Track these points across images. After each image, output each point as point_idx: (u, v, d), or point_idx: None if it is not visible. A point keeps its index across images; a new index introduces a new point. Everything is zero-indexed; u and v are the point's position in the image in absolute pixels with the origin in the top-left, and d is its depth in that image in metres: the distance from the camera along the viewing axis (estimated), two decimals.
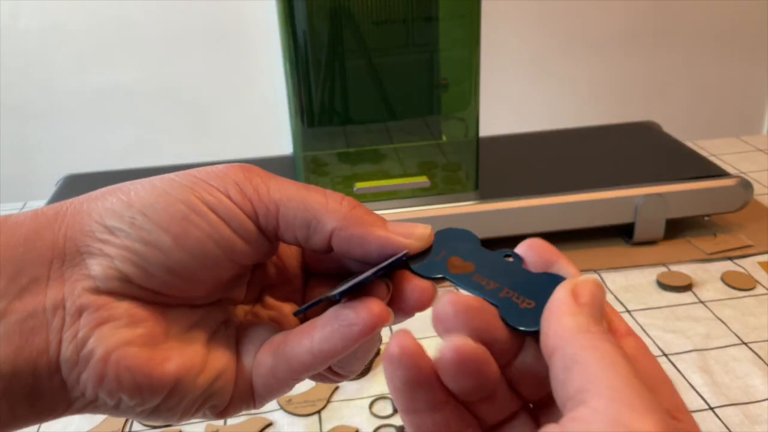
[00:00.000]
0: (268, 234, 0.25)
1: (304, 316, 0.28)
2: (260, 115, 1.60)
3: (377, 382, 0.59)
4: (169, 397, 0.24)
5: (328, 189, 0.26)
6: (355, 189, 0.74)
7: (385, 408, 0.56)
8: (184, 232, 0.23)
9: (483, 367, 0.22)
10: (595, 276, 0.24)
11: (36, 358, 0.22)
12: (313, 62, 0.72)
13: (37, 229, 0.23)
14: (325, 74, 0.74)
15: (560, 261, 0.25)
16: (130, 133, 1.62)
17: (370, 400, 0.57)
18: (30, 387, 0.22)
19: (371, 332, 0.24)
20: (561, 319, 0.21)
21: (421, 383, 0.22)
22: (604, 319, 0.22)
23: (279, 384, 0.26)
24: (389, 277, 0.26)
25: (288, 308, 0.29)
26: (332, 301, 0.26)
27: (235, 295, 0.28)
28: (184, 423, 0.56)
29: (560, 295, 0.22)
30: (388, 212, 0.72)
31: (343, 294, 0.25)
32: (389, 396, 0.57)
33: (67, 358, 0.23)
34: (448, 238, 0.27)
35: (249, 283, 0.29)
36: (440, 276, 0.26)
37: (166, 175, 0.25)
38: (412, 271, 0.26)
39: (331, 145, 0.78)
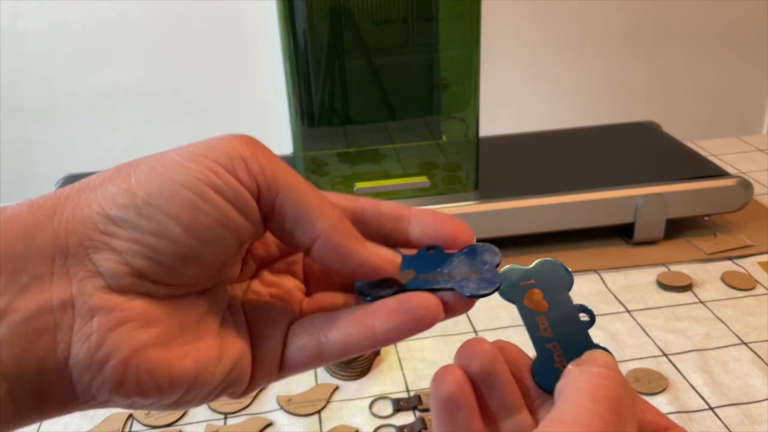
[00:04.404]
0: (262, 214, 0.25)
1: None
2: (260, 115, 1.60)
3: (377, 382, 0.59)
4: (188, 391, 0.24)
5: (327, 190, 0.26)
6: (355, 189, 0.74)
7: (385, 408, 0.56)
8: (194, 220, 0.23)
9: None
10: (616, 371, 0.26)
11: (42, 359, 0.22)
12: (313, 62, 0.72)
13: (36, 223, 0.22)
14: (325, 74, 0.74)
15: None
16: (130, 133, 1.62)
17: (370, 400, 0.57)
18: (36, 388, 0.22)
19: (435, 323, 0.26)
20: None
21: (461, 405, 0.25)
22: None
23: (322, 364, 0.27)
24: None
25: (291, 283, 0.29)
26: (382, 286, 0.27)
27: (230, 274, 0.28)
28: (185, 423, 0.56)
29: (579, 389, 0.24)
30: None
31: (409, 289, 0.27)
32: (389, 396, 0.57)
33: (78, 361, 0.22)
34: (547, 268, 0.28)
35: (243, 259, 0.28)
36: (512, 301, 0.28)
37: (165, 156, 0.24)
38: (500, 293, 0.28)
39: (331, 145, 0.78)
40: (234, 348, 0.26)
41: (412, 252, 0.28)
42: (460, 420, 0.25)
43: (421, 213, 0.28)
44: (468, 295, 0.26)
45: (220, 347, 0.25)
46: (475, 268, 0.27)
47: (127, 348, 0.22)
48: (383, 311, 0.26)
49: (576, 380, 0.24)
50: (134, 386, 0.23)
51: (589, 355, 0.26)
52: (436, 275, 0.27)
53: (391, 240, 0.28)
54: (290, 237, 0.25)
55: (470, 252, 0.28)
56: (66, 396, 0.22)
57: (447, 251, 0.28)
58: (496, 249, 0.28)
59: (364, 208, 0.28)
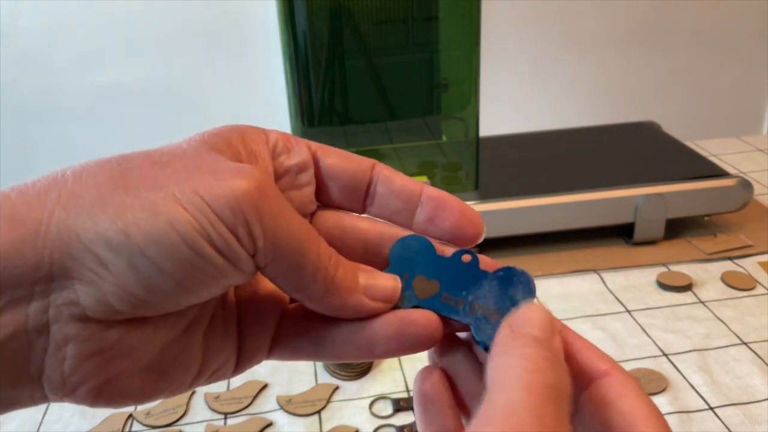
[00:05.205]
0: (256, 265, 0.24)
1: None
2: (260, 115, 1.59)
3: (377, 382, 0.59)
4: (166, 397, 0.25)
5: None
6: None
7: (385, 408, 0.56)
8: (189, 276, 0.21)
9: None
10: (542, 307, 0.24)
11: (15, 377, 0.21)
12: (313, 62, 0.72)
13: (16, 244, 0.20)
14: (325, 74, 0.74)
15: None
16: (130, 133, 1.62)
17: (370, 400, 0.57)
18: (8, 398, 0.22)
19: (432, 347, 0.26)
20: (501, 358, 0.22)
21: (434, 401, 0.26)
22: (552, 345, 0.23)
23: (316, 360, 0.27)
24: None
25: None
26: None
27: None
28: (185, 423, 0.56)
29: (501, 334, 0.23)
30: None
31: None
32: (389, 396, 0.57)
33: (51, 382, 0.21)
34: (404, 251, 0.27)
35: None
36: (412, 307, 0.26)
37: (168, 188, 0.21)
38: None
39: (331, 145, 0.78)
40: (218, 357, 0.25)
41: (447, 252, 0.27)
42: (434, 414, 0.27)
43: (432, 196, 0.27)
44: (479, 341, 0.25)
45: (202, 358, 0.25)
46: (500, 306, 0.25)
47: (101, 377, 0.22)
48: (383, 334, 0.25)
49: (507, 366, 0.22)
50: (106, 404, 0.23)
51: (521, 315, 0.24)
52: (458, 300, 0.26)
53: (396, 221, 0.28)
54: (282, 288, 0.24)
55: (505, 278, 0.26)
56: (38, 400, 0.22)
57: (482, 267, 0.26)
58: (532, 287, 0.26)
59: (377, 180, 0.28)
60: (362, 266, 0.26)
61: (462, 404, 0.27)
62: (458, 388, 0.27)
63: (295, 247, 0.23)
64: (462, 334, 0.28)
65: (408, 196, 0.27)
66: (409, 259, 0.27)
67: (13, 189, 0.21)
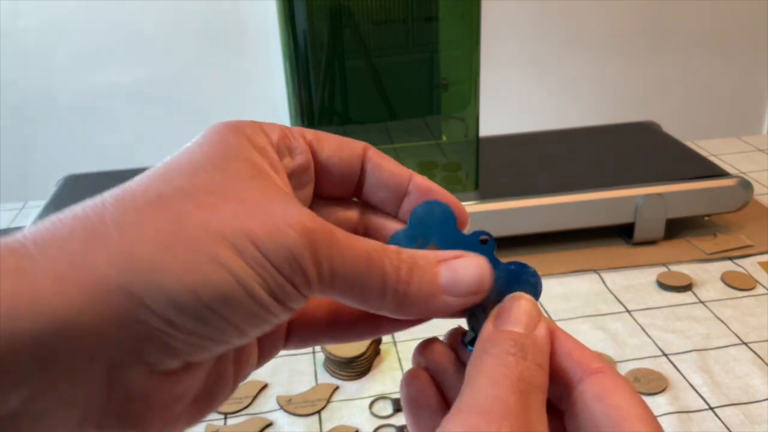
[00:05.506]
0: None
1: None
2: (260, 115, 1.59)
3: (377, 382, 0.59)
4: None
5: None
6: None
7: (385, 408, 0.56)
8: (252, 326, 0.22)
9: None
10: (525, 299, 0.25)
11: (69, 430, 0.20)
12: (313, 62, 0.72)
13: (69, 317, 0.19)
14: (325, 74, 0.74)
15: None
16: (130, 133, 1.62)
17: (370, 400, 0.57)
18: None
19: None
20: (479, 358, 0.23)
21: (422, 405, 0.26)
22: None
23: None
24: None
25: None
26: None
27: None
28: None
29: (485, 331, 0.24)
30: None
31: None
32: (389, 396, 0.57)
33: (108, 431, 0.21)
34: (425, 216, 0.26)
35: None
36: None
37: (226, 240, 0.21)
38: None
39: None
40: (247, 363, 0.26)
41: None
42: (423, 418, 0.26)
43: (419, 186, 0.27)
44: (469, 329, 0.25)
45: (234, 370, 0.25)
46: (501, 300, 0.25)
47: (160, 424, 0.22)
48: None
49: (479, 365, 0.23)
50: None
51: (505, 308, 0.24)
52: None
53: (384, 210, 0.28)
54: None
55: (515, 273, 0.25)
56: None
57: (496, 255, 0.26)
58: (538, 288, 0.25)
59: (367, 165, 0.27)
60: (443, 254, 0.25)
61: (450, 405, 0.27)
62: (444, 390, 0.27)
63: (355, 280, 0.23)
64: (441, 336, 0.28)
65: (395, 186, 0.27)
66: (428, 224, 0.26)
67: (45, 238, 0.20)
